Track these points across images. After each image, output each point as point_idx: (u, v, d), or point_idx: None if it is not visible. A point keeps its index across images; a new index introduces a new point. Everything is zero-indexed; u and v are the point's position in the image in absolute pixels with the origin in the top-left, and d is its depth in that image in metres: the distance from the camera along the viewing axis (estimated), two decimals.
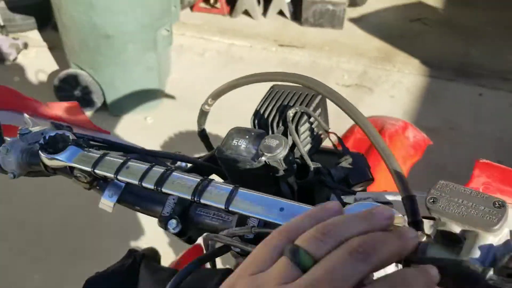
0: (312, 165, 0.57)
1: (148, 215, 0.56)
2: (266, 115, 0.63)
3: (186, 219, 0.53)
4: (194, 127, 2.91)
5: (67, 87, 2.61)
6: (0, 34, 3.38)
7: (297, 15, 4.04)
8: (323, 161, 0.62)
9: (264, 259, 0.29)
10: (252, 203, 0.42)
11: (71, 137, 0.54)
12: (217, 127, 2.68)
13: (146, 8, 2.30)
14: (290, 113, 0.60)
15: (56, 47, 3.42)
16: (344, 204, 0.55)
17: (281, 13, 4.07)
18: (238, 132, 0.56)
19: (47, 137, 0.54)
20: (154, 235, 2.01)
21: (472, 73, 3.39)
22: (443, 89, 3.22)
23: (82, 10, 2.25)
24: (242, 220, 0.49)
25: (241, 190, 0.44)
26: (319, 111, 0.64)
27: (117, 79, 2.54)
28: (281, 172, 0.54)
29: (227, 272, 0.53)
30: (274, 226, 0.43)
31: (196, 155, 0.77)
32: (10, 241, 2.03)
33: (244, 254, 0.47)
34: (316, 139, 0.64)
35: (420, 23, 4.17)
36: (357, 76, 3.29)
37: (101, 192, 0.56)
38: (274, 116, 0.62)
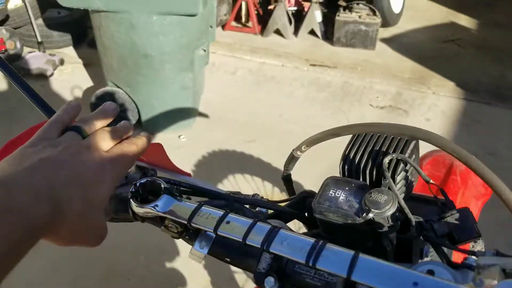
0: (413, 219, 0.53)
1: (240, 268, 0.53)
2: (356, 161, 0.59)
3: (283, 276, 0.49)
4: (227, 146, 2.91)
5: None
6: (38, 50, 3.46)
7: (328, 35, 4.03)
8: (414, 208, 0.58)
9: (53, 133, 0.46)
10: (379, 274, 0.39)
11: (163, 185, 0.51)
12: (250, 147, 2.67)
13: (185, 29, 2.32)
14: (386, 160, 0.56)
15: (91, 64, 3.47)
16: (452, 264, 0.50)
17: (312, 32, 4.06)
18: (336, 182, 0.52)
19: (137, 184, 0.52)
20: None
21: (509, 97, 3.29)
22: (480, 113, 3.13)
23: (122, 30, 2.28)
24: (350, 284, 0.45)
25: (363, 257, 0.40)
26: (413, 157, 0.60)
27: (153, 97, 2.55)
28: (385, 228, 0.50)
29: None
30: None
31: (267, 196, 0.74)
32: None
33: None
34: (409, 188, 0.60)
35: (453, 44, 4.10)
36: (391, 98, 3.24)
37: (190, 242, 0.53)
38: (366, 162, 0.59)
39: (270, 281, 0.48)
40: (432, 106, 3.17)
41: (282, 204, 0.63)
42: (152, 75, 2.44)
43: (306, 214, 0.62)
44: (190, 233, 0.53)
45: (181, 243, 2.06)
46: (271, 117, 2.99)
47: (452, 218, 0.53)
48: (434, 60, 3.78)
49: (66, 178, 0.41)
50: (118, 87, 2.58)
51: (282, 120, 2.96)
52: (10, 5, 3.40)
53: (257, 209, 0.66)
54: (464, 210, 0.53)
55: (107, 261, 1.99)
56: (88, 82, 3.30)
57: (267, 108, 3.09)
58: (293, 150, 0.59)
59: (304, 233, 0.59)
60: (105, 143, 0.47)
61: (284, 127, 2.89)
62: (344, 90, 3.33)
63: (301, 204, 0.62)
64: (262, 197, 0.65)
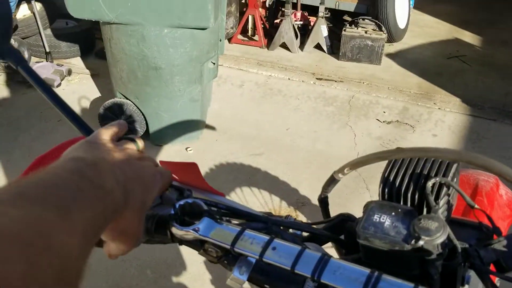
0: (459, 246, 0.52)
1: None
2: (397, 184, 0.58)
3: None
4: (235, 159, 2.89)
5: (112, 116, 2.62)
6: (45, 60, 3.46)
7: (334, 49, 4.04)
8: (454, 233, 0.57)
9: (111, 137, 0.52)
10: None
11: (204, 207, 0.50)
12: (257, 160, 2.65)
13: (196, 42, 2.32)
14: (430, 184, 0.55)
15: (98, 75, 3.48)
16: None
17: (318, 47, 4.08)
18: (381, 207, 0.51)
19: (177, 206, 0.50)
20: (197, 269, 1.95)
21: None
22: (486, 129, 3.13)
23: (133, 42, 2.28)
24: None
25: None
26: (455, 180, 0.59)
27: (161, 109, 2.54)
28: (434, 256, 0.48)
29: None
30: None
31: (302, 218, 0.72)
32: None
33: None
34: (449, 211, 0.59)
35: (458, 61, 4.12)
36: (397, 113, 3.24)
37: (228, 267, 0.51)
38: (407, 186, 0.57)
39: None
40: (438, 121, 3.17)
41: (318, 226, 0.62)
42: (161, 87, 2.44)
43: (343, 237, 0.60)
44: (229, 258, 0.51)
45: (188, 257, 2.03)
46: (278, 130, 2.99)
47: (499, 245, 0.52)
48: (439, 76, 3.79)
49: (133, 175, 0.45)
50: (127, 98, 2.57)
51: (289, 134, 2.95)
52: (19, 15, 3.41)
53: (290, 230, 0.64)
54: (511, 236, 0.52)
55: (112, 275, 1.96)
56: (95, 93, 3.30)
57: (274, 121, 3.08)
58: (334, 172, 0.57)
59: (343, 258, 0.57)
60: (153, 161, 0.53)
61: (292, 140, 2.88)
62: (350, 104, 3.33)
63: (338, 227, 0.60)
64: (295, 219, 0.64)
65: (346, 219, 0.59)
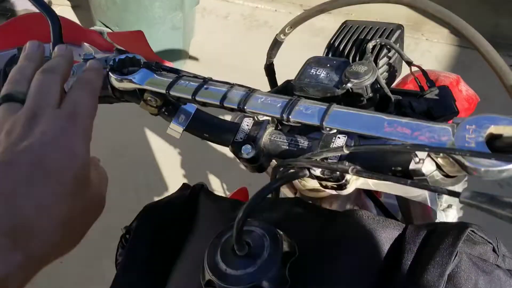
0: (392, 97, 0.54)
1: (217, 143, 0.53)
2: (341, 49, 0.59)
3: (259, 146, 0.50)
4: None
5: None
6: None
7: None
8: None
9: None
10: (351, 120, 0.39)
11: (142, 60, 0.51)
12: None
13: None
14: (370, 45, 0.56)
15: (79, 6, 3.36)
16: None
17: None
18: (318, 61, 0.53)
19: (117, 60, 0.51)
20: None
21: (502, 44, 3.26)
22: (473, 60, 3.11)
23: None
24: (326, 144, 0.45)
25: (337, 109, 0.40)
26: (397, 45, 0.60)
27: None
28: (364, 101, 0.50)
29: (296, 202, 0.50)
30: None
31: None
32: None
33: (325, 177, 0.43)
34: (392, 75, 0.61)
35: None
36: None
37: (169, 118, 0.53)
38: (351, 49, 0.58)
39: (246, 148, 0.48)
40: (425, 52, 3.15)
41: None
42: (141, 13, 2.37)
43: None
44: (169, 109, 0.53)
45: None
46: (263, 62, 2.95)
47: (431, 94, 0.54)
48: None
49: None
50: (107, 26, 2.51)
51: (274, 65, 2.92)
52: None
53: None
54: (443, 87, 0.54)
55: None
56: None
57: (259, 53, 3.01)
58: (276, 34, 0.58)
59: None
60: (49, 90, 0.42)
61: (277, 71, 2.86)
62: None
63: (284, 92, 0.62)
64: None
65: (292, 84, 0.61)
